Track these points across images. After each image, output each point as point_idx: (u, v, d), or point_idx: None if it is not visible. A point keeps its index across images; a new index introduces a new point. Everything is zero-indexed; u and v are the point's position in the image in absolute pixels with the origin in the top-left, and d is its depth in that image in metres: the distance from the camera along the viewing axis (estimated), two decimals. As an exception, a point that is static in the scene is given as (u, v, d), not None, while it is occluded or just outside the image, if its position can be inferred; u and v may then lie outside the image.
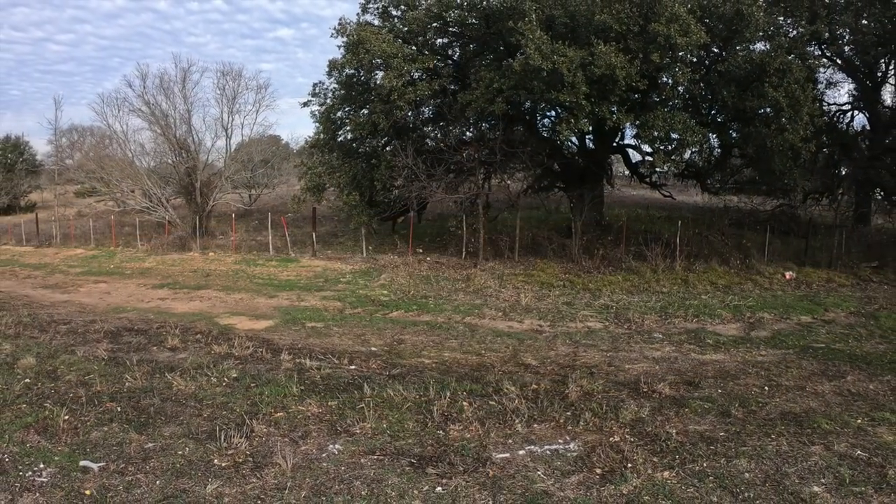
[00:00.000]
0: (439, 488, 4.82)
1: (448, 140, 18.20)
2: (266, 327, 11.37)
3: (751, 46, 16.15)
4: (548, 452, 5.47)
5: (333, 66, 18.44)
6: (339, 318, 12.15)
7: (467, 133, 19.35)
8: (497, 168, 19.08)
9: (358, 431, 5.94)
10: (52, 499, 4.65)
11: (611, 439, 5.73)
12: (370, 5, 18.88)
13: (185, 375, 7.62)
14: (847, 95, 23.77)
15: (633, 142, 19.44)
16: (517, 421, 6.13)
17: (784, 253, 17.42)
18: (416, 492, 4.76)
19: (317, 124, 20.18)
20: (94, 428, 6.00)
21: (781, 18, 18.13)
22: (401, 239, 20.59)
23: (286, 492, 4.73)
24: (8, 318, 11.33)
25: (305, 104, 20.37)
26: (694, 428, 6.05)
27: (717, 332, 10.90)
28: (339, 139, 20.20)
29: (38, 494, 4.71)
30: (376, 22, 18.86)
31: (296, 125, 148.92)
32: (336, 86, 19.47)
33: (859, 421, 6.26)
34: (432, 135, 20.34)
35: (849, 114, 22.90)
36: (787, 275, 15.54)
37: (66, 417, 6.19)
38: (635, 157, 20.97)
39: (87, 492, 4.75)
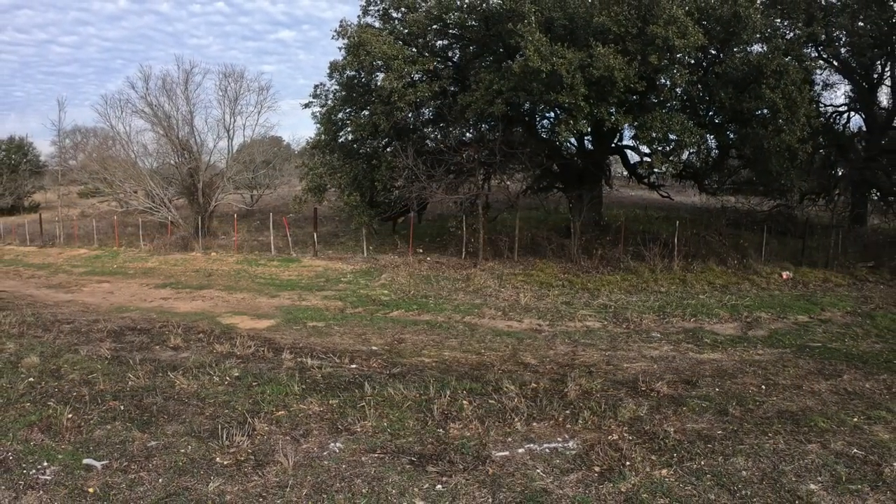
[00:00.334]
0: (439, 486, 4.85)
1: (448, 141, 18.24)
2: (268, 326, 11.40)
3: (748, 48, 16.21)
4: (547, 450, 5.51)
5: (334, 67, 18.52)
6: (340, 318, 12.19)
7: (467, 134, 19.40)
8: (496, 169, 19.14)
9: (359, 430, 5.97)
10: (55, 496, 4.67)
11: (609, 437, 5.76)
12: (371, 7, 18.95)
13: (188, 374, 7.67)
14: (843, 97, 23.83)
15: (631, 143, 19.50)
16: (516, 419, 6.17)
17: (781, 253, 17.49)
18: (416, 490, 4.79)
19: (318, 125, 20.31)
20: (98, 426, 6.03)
21: (778, 21, 18.21)
22: (401, 239, 20.64)
23: (287, 490, 4.76)
24: (12, 318, 11.38)
25: (307, 105, 20.52)
26: (692, 426, 6.09)
27: (715, 331, 10.93)
28: (340, 140, 20.26)
29: (41, 492, 4.73)
30: (377, 24, 18.91)
31: (297, 126, 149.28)
32: (337, 87, 19.56)
33: (856, 419, 6.30)
34: (432, 136, 20.39)
35: (845, 115, 22.97)
36: (784, 275, 15.59)
37: (70, 416, 6.22)
38: (633, 157, 21.04)
39: (91, 489, 4.77)
